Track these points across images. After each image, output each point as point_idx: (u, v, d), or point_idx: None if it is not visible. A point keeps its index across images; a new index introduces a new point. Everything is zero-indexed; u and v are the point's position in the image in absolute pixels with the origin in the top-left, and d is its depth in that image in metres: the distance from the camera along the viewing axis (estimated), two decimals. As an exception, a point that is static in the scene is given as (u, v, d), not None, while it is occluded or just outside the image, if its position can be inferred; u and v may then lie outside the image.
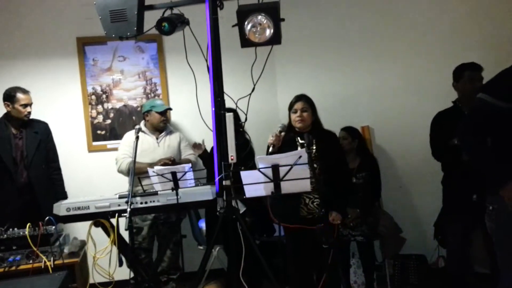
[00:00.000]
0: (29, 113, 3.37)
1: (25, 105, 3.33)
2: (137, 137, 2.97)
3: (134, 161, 2.81)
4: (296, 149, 2.81)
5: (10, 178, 3.31)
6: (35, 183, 3.37)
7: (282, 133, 2.82)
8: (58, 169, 3.59)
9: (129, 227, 2.53)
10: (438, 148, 3.13)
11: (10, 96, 3.31)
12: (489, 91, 2.22)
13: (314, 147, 2.81)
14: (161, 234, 3.58)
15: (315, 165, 2.69)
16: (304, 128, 2.90)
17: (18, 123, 3.38)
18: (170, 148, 3.54)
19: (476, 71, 2.98)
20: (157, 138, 3.53)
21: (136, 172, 3.34)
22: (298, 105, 2.91)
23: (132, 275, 2.88)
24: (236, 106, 2.61)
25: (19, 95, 3.31)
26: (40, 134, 3.46)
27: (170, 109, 3.73)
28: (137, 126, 3.53)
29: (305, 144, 2.77)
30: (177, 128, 4.00)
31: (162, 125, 3.55)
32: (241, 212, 3.34)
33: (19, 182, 3.34)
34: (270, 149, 2.76)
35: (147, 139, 3.49)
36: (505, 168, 2.14)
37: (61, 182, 3.59)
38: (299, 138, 2.89)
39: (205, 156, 3.48)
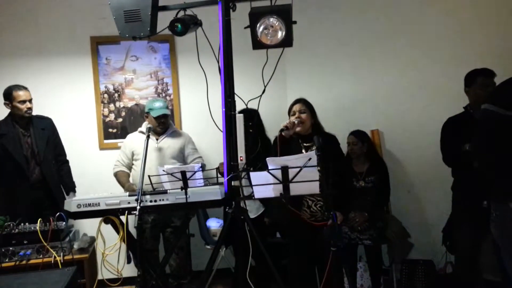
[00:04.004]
0: (29, 108, 3.35)
1: (23, 101, 3.31)
2: (148, 136, 2.99)
3: (145, 161, 2.82)
4: (301, 152, 2.84)
5: (23, 176, 3.35)
6: (48, 178, 3.41)
7: (297, 128, 2.83)
8: (66, 162, 3.61)
9: (139, 225, 2.55)
10: (450, 154, 3.10)
11: (7, 94, 3.31)
12: (494, 100, 2.24)
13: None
14: (164, 237, 3.57)
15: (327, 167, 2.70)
16: (304, 131, 2.92)
17: (24, 121, 3.39)
18: (171, 149, 3.46)
19: (489, 77, 2.95)
20: (157, 140, 3.47)
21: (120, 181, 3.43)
22: (296, 107, 2.96)
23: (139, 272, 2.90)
24: (246, 107, 2.63)
25: (16, 92, 3.29)
26: (47, 130, 3.48)
27: (166, 115, 3.46)
28: (140, 128, 3.55)
29: (314, 147, 2.79)
30: (187, 128, 4.03)
31: (159, 129, 3.45)
32: (260, 212, 3.35)
33: (32, 179, 3.38)
34: (283, 131, 2.77)
35: (145, 140, 3.43)
36: None
37: (69, 173, 3.61)
38: (300, 140, 2.92)
39: None
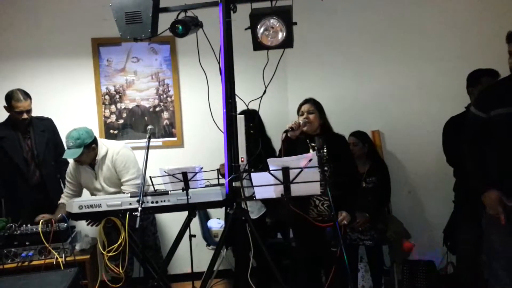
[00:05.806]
0: (25, 119, 3.28)
1: (20, 112, 3.24)
2: (149, 137, 2.99)
3: (146, 159, 2.83)
4: (308, 151, 2.83)
5: (23, 178, 3.35)
6: (47, 180, 3.41)
7: (303, 128, 2.84)
8: (67, 164, 3.51)
9: (140, 226, 2.56)
10: (453, 155, 3.10)
11: (8, 99, 3.25)
12: (473, 102, 2.50)
13: (325, 151, 2.82)
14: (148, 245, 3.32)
15: (326, 168, 2.70)
16: (312, 131, 2.91)
17: (23, 125, 3.35)
18: (106, 180, 3.18)
19: (494, 77, 2.95)
20: (93, 169, 3.20)
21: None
22: (305, 108, 2.94)
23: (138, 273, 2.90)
24: (247, 108, 2.63)
25: (15, 103, 3.22)
26: (47, 131, 3.46)
27: (76, 159, 3.08)
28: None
29: (316, 147, 2.80)
30: (188, 129, 4.04)
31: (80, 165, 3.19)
32: (261, 213, 3.36)
33: (32, 182, 3.38)
34: (288, 131, 2.75)
35: (85, 170, 3.22)
36: (486, 176, 2.41)
37: None
38: (308, 140, 2.91)
39: None
